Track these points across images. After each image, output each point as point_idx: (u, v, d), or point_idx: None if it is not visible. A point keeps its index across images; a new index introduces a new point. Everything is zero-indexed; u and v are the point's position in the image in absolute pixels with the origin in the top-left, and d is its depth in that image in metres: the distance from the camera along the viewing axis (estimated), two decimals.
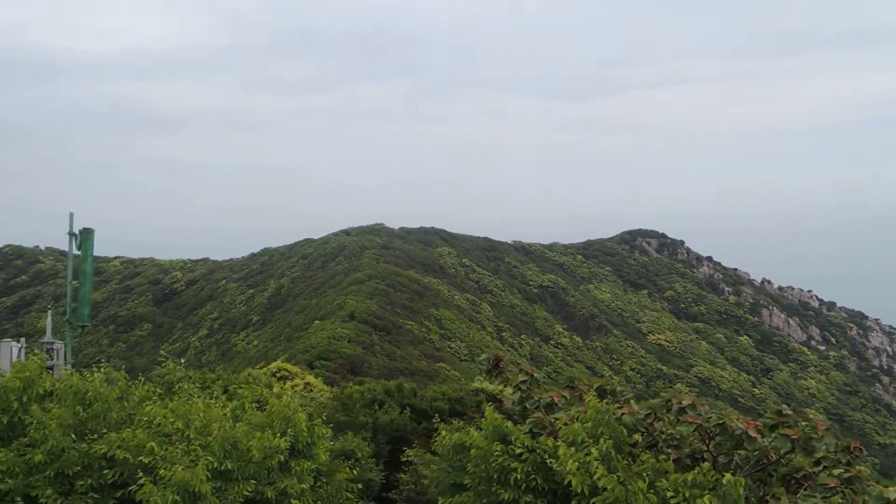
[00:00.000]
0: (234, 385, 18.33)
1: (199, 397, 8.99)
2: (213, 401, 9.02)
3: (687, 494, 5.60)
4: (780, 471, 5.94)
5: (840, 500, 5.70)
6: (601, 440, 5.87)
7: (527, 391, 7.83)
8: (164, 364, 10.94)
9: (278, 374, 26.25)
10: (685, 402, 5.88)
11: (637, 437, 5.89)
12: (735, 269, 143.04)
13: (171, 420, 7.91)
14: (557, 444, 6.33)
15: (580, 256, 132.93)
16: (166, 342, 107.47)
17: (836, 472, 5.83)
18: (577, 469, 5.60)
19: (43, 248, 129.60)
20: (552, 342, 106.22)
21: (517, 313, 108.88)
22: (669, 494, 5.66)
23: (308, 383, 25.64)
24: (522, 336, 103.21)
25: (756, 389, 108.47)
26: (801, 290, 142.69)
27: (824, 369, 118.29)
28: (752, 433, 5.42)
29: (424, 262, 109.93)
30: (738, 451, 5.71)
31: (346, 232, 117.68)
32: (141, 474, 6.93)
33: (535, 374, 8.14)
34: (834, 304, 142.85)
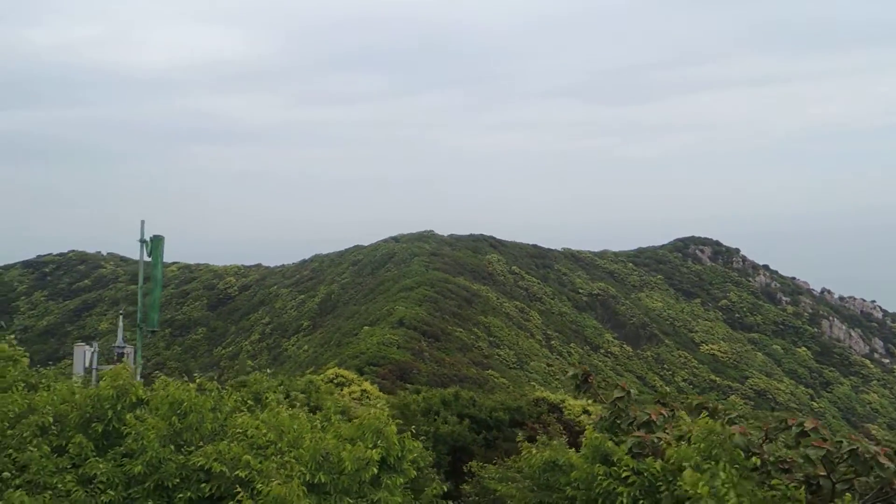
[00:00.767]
0: (294, 391, 18.53)
1: (284, 407, 8.96)
2: (295, 411, 8.92)
3: None
4: None
5: None
6: (719, 463, 5.56)
7: (624, 408, 7.58)
8: (250, 373, 11.01)
9: (335, 381, 26.44)
10: (808, 426, 5.57)
11: (756, 460, 5.58)
12: (793, 278, 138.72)
13: (264, 432, 7.83)
14: (667, 465, 6.09)
15: (631, 264, 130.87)
16: (219, 346, 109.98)
17: None
18: (709, 494, 5.28)
19: (105, 253, 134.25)
20: (602, 351, 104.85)
21: (566, 321, 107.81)
22: None
23: (364, 390, 25.75)
24: (571, 344, 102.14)
25: (815, 403, 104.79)
26: (864, 301, 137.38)
27: (888, 383, 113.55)
28: (883, 459, 5.10)
29: (473, 269, 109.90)
30: (860, 478, 5.37)
31: (396, 239, 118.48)
32: (239, 489, 6.87)
33: (631, 391, 7.89)
34: None
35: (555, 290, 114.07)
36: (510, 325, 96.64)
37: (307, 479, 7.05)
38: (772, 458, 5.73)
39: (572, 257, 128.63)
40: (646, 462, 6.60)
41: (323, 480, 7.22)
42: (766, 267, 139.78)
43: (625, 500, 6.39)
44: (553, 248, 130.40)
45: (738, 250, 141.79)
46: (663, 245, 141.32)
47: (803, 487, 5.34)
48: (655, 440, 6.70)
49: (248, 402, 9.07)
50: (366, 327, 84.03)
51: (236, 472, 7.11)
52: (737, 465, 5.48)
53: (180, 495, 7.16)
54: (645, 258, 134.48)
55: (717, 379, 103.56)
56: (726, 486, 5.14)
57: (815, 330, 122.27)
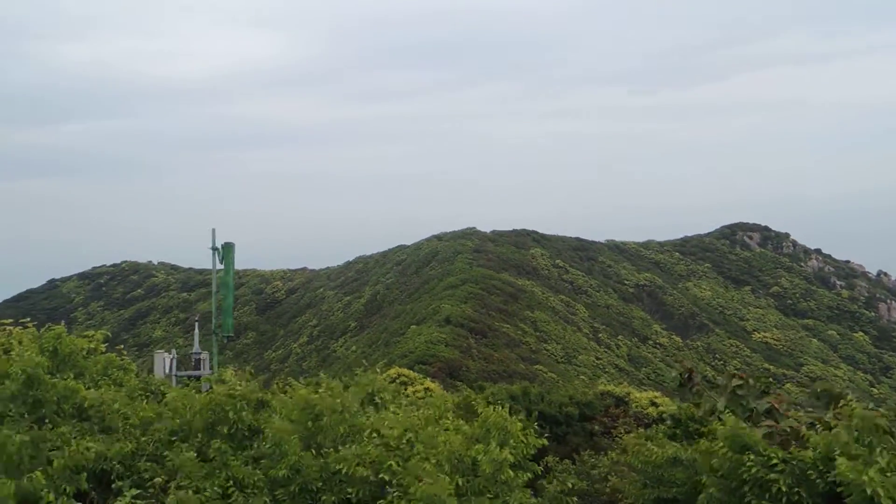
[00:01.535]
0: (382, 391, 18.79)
1: (398, 407, 8.98)
2: (421, 411, 8.83)
3: None
4: None
5: None
6: (876, 450, 5.43)
7: (743, 396, 7.44)
8: (364, 372, 11.05)
9: (398, 380, 26.71)
10: None
11: None
12: (847, 262, 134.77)
13: (400, 433, 7.66)
14: (817, 453, 5.94)
15: (677, 253, 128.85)
16: (269, 349, 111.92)
17: None
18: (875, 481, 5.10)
19: (156, 262, 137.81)
20: (650, 342, 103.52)
21: (613, 313, 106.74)
22: None
23: (427, 388, 25.99)
24: (619, 337, 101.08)
25: (874, 389, 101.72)
26: None
27: None
28: None
29: (517, 264, 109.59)
30: None
31: (439, 237, 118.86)
32: (393, 490, 6.77)
33: (751, 381, 7.76)
34: None
35: (600, 283, 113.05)
36: (556, 319, 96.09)
37: (447, 481, 6.83)
38: None
39: (616, 249, 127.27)
40: (793, 452, 6.40)
41: (459, 483, 7.11)
42: (818, 251, 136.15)
43: (782, 488, 6.17)
44: (596, 240, 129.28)
45: (787, 235, 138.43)
46: (709, 232, 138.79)
47: None
48: (787, 429, 6.59)
49: (364, 402, 8.98)
50: (413, 326, 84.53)
51: (380, 476, 7.07)
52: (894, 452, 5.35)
53: (324, 498, 7.13)
54: (691, 247, 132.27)
55: (771, 367, 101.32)
56: (888, 472, 5.02)
57: (873, 314, 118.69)
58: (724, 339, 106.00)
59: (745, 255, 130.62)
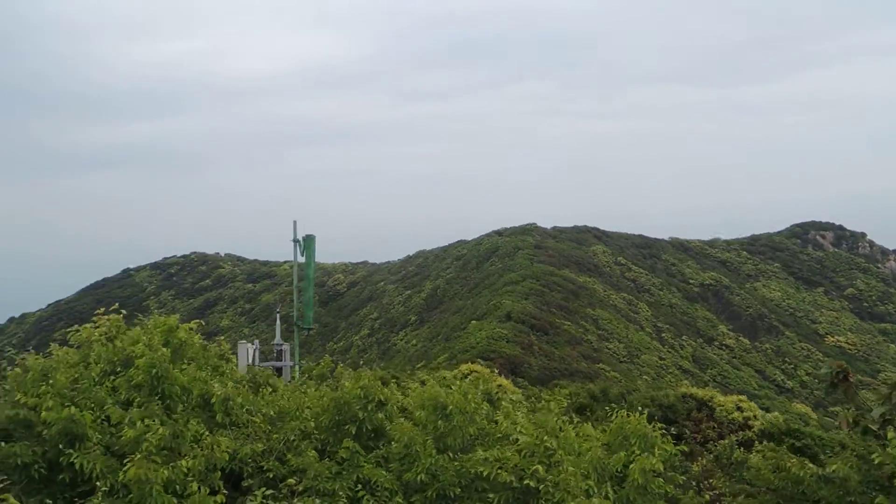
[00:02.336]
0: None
1: (519, 408, 8.69)
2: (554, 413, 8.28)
3: None
4: None
5: None
6: None
7: None
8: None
9: (470, 376, 26.64)
10: None
11: None
12: None
13: (540, 438, 7.23)
14: None
15: (745, 253, 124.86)
16: (331, 341, 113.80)
17: None
18: None
19: (223, 254, 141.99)
20: (716, 343, 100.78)
21: (677, 313, 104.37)
22: None
23: (500, 385, 25.84)
24: (683, 337, 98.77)
25: None
26: None
27: None
28: None
29: (578, 260, 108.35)
30: None
31: (499, 233, 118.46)
32: (541, 497, 6.44)
33: None
34: None
35: (663, 281, 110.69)
36: (619, 317, 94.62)
37: (593, 492, 6.63)
38: None
39: (681, 247, 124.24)
40: None
41: (609, 496, 6.81)
42: None
43: None
44: (660, 237, 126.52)
45: (863, 235, 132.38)
46: (779, 231, 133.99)
47: None
48: None
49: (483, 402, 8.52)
50: (473, 321, 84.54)
51: (525, 482, 6.74)
52: None
53: None
54: (760, 246, 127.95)
55: None
56: None
57: None
58: (795, 342, 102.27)
59: (818, 255, 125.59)
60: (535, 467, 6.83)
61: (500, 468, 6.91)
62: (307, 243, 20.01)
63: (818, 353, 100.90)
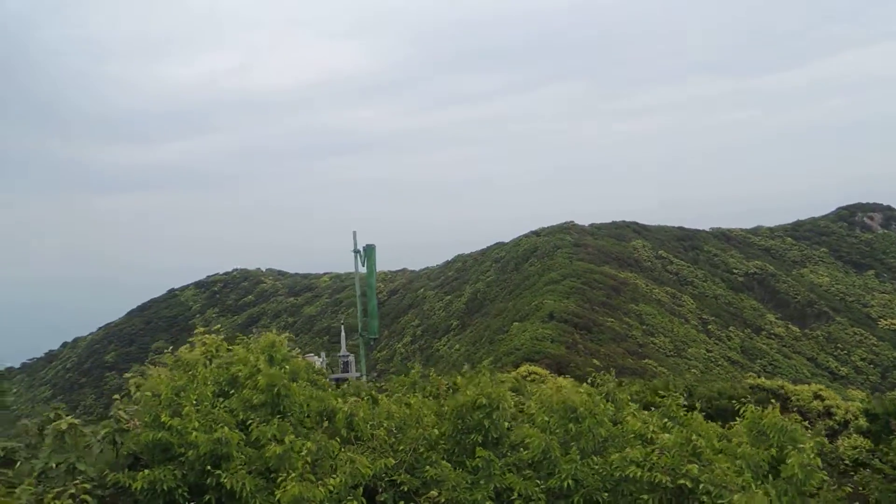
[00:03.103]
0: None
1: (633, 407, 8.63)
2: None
3: None
4: None
5: None
6: None
7: None
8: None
9: (529, 377, 26.75)
10: None
11: None
12: None
13: (685, 436, 7.07)
14: None
15: (789, 239, 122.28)
16: (374, 350, 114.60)
17: None
18: None
19: (264, 269, 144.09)
20: (765, 333, 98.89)
21: (722, 304, 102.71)
22: None
23: (560, 386, 25.83)
24: (730, 328, 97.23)
25: None
26: None
27: None
28: None
29: (618, 256, 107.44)
30: None
31: (537, 233, 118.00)
32: (699, 497, 6.26)
33: None
34: None
35: (707, 273, 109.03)
36: (663, 311, 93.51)
37: (750, 488, 6.39)
38: None
39: (723, 236, 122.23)
40: None
41: (770, 492, 6.58)
42: None
43: None
44: (700, 228, 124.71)
45: None
46: (824, 215, 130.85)
47: None
48: None
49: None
50: (516, 323, 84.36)
51: (680, 482, 6.56)
52: None
53: None
54: (805, 231, 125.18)
55: None
56: None
57: None
58: (847, 327, 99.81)
59: (867, 238, 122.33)
60: (688, 467, 6.68)
61: (649, 469, 6.77)
62: (368, 253, 20.28)
63: (872, 337, 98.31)
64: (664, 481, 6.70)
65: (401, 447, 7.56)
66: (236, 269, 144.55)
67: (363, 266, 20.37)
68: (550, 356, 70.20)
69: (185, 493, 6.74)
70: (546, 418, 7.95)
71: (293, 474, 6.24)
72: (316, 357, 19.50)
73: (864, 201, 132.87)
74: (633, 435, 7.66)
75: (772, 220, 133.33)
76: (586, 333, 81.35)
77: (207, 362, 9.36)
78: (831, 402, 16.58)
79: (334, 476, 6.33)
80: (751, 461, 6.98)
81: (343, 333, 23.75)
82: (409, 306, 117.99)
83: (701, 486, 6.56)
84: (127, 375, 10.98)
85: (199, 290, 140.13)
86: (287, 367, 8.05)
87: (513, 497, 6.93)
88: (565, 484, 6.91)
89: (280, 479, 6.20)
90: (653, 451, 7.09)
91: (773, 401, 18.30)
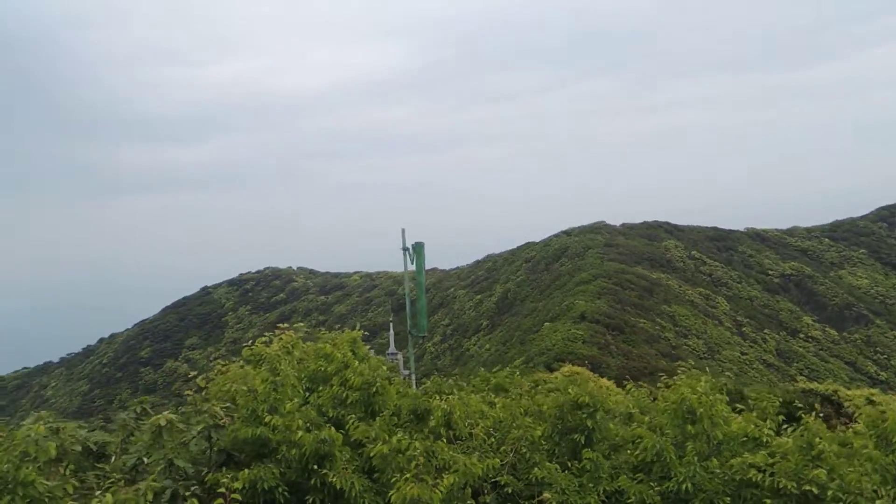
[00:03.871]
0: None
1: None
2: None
3: None
4: None
5: None
6: None
7: None
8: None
9: (571, 377, 26.51)
10: None
11: None
12: None
13: (808, 440, 6.82)
14: None
15: (827, 240, 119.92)
16: (404, 349, 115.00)
17: None
18: None
19: (295, 268, 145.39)
20: (801, 336, 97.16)
21: (757, 306, 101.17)
22: None
23: (604, 387, 25.67)
24: (766, 330, 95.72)
25: None
26: None
27: None
28: None
29: (650, 257, 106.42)
30: None
31: (567, 232, 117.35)
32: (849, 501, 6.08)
33: None
34: None
35: (741, 274, 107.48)
36: (696, 313, 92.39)
37: (882, 493, 6.22)
38: None
39: (758, 237, 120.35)
40: None
41: None
42: None
43: None
44: (735, 229, 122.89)
45: None
46: (863, 216, 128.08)
47: None
48: None
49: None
50: (546, 323, 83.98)
51: (806, 488, 6.38)
52: None
53: None
54: (843, 232, 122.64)
55: None
56: None
57: None
58: (887, 330, 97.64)
59: None
60: (815, 472, 6.52)
61: (771, 474, 6.60)
62: (417, 251, 20.22)
63: None
64: (789, 487, 6.49)
65: (502, 447, 7.42)
66: (268, 268, 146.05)
67: (412, 264, 20.28)
68: (582, 357, 69.82)
69: (286, 493, 6.62)
70: (660, 419, 7.79)
71: (407, 475, 6.12)
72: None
73: None
74: (744, 438, 7.43)
75: (808, 221, 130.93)
76: (618, 334, 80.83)
77: (287, 358, 9.34)
78: (884, 407, 16.16)
79: (446, 476, 6.18)
80: (877, 465, 6.74)
81: (391, 331, 23.70)
82: (439, 305, 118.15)
83: (829, 492, 6.37)
84: (192, 374, 11.07)
85: (232, 287, 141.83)
86: (383, 366, 8.02)
87: (627, 501, 6.74)
88: (683, 488, 6.69)
89: (392, 479, 6.10)
90: (775, 455, 6.90)
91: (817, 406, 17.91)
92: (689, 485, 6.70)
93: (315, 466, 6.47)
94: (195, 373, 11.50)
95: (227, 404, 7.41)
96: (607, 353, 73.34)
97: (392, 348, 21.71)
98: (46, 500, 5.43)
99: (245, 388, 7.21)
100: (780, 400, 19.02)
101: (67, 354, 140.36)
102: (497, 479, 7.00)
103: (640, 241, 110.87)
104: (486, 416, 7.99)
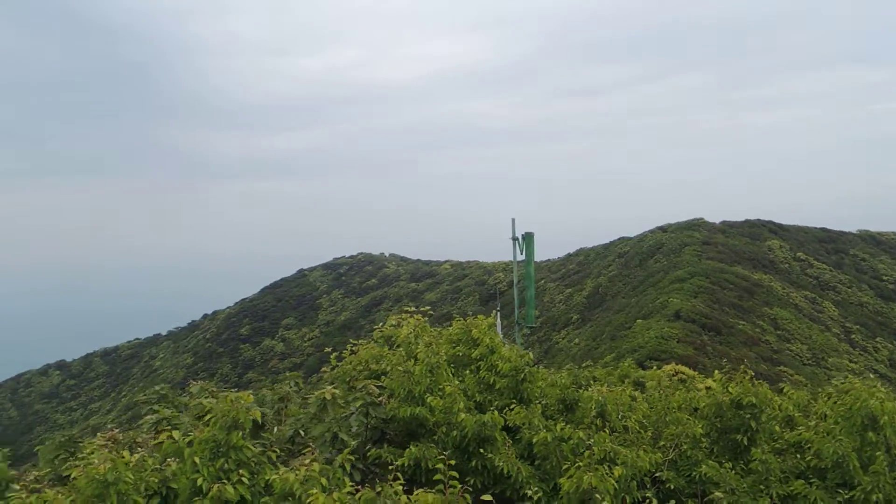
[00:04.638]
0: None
1: None
2: None
3: None
4: None
5: None
6: None
7: None
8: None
9: (676, 377, 26.05)
10: None
11: None
12: None
13: None
14: None
15: None
16: (508, 338, 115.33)
17: None
18: None
19: (388, 254, 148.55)
20: None
21: (869, 312, 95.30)
22: None
23: (708, 387, 25.03)
24: (877, 339, 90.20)
25: None
26: None
27: None
28: None
29: (751, 256, 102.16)
30: None
31: (663, 229, 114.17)
32: None
33: None
34: None
35: (852, 278, 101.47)
36: (800, 317, 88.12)
37: None
38: None
39: (871, 240, 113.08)
40: None
41: None
42: None
43: None
44: (846, 230, 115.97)
45: None
46: None
47: None
48: None
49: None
50: (639, 320, 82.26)
51: None
52: None
53: None
54: None
55: None
56: None
57: None
58: None
59: None
60: None
61: None
62: (527, 241, 20.31)
63: None
64: None
65: (660, 442, 7.38)
66: (361, 253, 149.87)
67: (521, 254, 20.38)
68: (677, 356, 68.07)
69: (448, 473, 6.25)
70: (833, 423, 7.49)
71: (580, 463, 6.09)
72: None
73: None
74: None
75: None
76: (715, 335, 78.37)
77: (419, 340, 9.63)
78: None
79: (615, 468, 6.12)
80: None
81: (498, 320, 23.83)
82: (519, 298, 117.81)
83: None
84: (327, 349, 11.65)
85: (326, 271, 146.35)
86: (529, 354, 8.20)
87: None
88: (873, 499, 6.42)
89: (561, 466, 6.23)
90: None
91: None
92: (879, 495, 6.41)
93: (480, 449, 6.65)
94: (329, 349, 12.11)
95: (369, 383, 7.73)
96: (703, 353, 71.24)
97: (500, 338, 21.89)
98: (253, 464, 5.93)
99: (400, 369, 7.54)
100: None
101: (174, 328, 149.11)
102: (658, 474, 6.95)
103: (740, 240, 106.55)
104: (635, 409, 7.97)
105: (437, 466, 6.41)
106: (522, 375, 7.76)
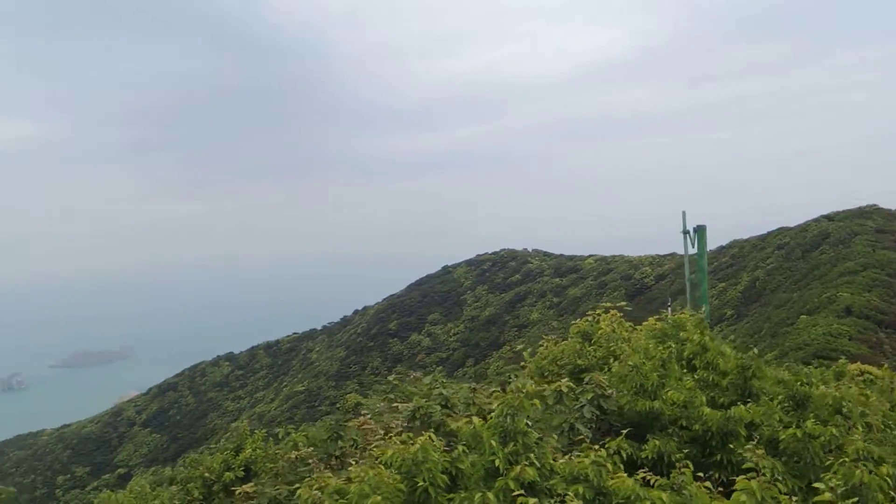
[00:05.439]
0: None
1: None
2: None
3: None
4: None
5: None
6: None
7: None
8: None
9: (861, 377, 24.59)
10: None
11: None
12: None
13: None
14: None
15: None
16: None
17: None
18: None
19: (530, 250, 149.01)
20: None
21: None
22: None
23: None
24: None
25: None
26: None
27: None
28: None
29: None
30: None
31: (829, 217, 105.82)
32: None
33: None
34: None
35: None
36: None
37: None
38: None
39: None
40: None
41: None
42: None
43: None
44: None
45: None
46: None
47: None
48: None
49: None
50: (803, 316, 77.21)
51: None
52: None
53: None
54: None
55: None
56: None
57: None
58: None
59: None
60: None
61: None
62: (699, 235, 20.05)
63: None
64: None
65: None
66: (504, 249, 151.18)
67: (693, 247, 20.14)
68: (849, 355, 63.26)
69: (690, 465, 6.57)
70: None
71: (845, 459, 6.12)
72: None
73: None
74: None
75: None
76: (893, 333, 72.10)
77: (620, 337, 10.12)
78: None
79: (884, 465, 6.12)
80: None
81: (669, 313, 23.57)
82: (677, 292, 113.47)
83: None
84: (520, 347, 12.37)
85: (470, 267, 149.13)
86: (754, 351, 8.44)
87: None
88: None
89: (827, 463, 6.23)
90: None
91: None
92: None
93: (718, 443, 6.97)
94: (522, 346, 12.82)
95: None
96: (880, 352, 65.78)
97: None
98: (536, 448, 6.71)
99: (630, 363, 8.08)
100: None
101: (329, 323, 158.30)
102: None
103: None
104: (872, 406, 7.88)
105: (677, 458, 6.86)
106: (751, 372, 7.98)
